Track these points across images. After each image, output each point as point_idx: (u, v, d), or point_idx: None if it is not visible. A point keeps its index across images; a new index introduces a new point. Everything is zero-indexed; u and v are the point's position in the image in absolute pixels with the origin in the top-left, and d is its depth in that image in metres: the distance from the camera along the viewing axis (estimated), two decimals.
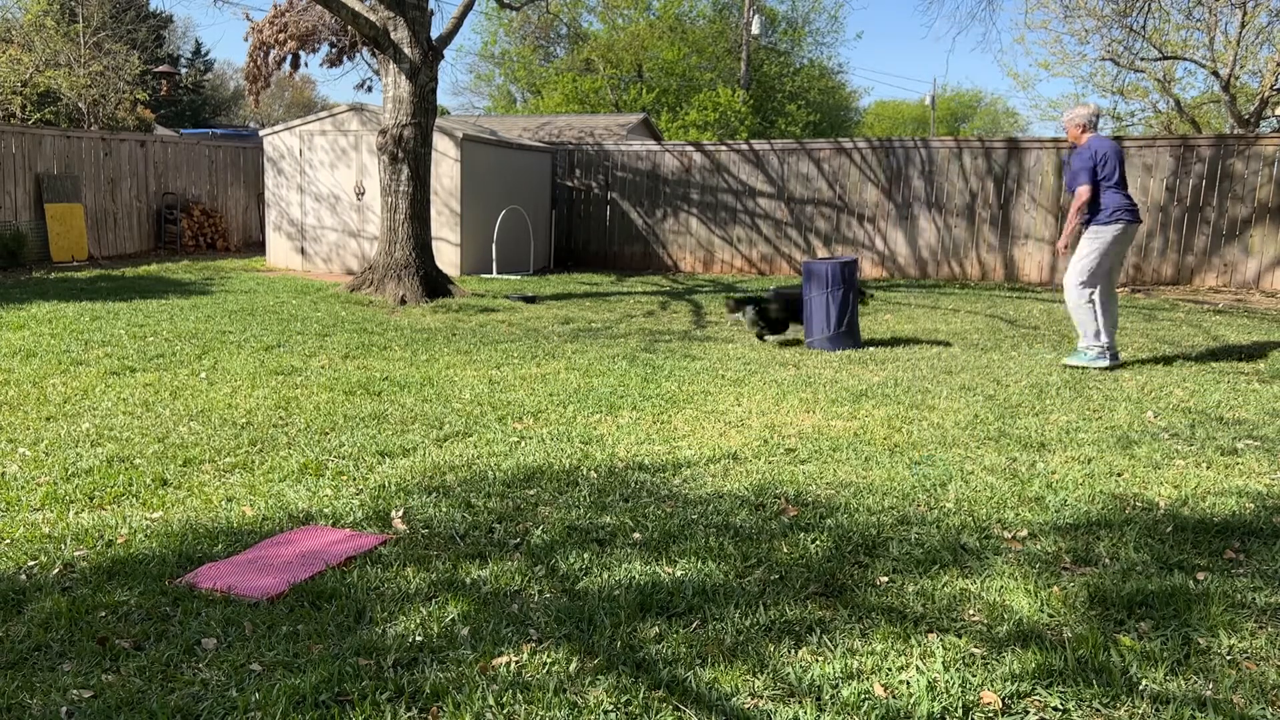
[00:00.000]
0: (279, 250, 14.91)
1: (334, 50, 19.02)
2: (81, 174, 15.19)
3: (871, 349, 8.06)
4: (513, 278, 13.95)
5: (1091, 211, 7.05)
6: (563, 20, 31.99)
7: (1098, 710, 2.53)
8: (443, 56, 11.45)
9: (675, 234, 15.89)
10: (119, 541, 3.57)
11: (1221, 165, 13.13)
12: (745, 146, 15.58)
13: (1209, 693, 2.60)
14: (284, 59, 18.52)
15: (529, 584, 3.25)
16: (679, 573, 3.33)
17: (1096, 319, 7.09)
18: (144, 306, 9.66)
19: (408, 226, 11.09)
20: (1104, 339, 7.14)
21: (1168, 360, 7.54)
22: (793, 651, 2.81)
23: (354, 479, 4.38)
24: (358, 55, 19.20)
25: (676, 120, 29.81)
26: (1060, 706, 2.54)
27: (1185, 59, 19.54)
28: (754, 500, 4.09)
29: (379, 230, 11.89)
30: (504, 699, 2.54)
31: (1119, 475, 4.52)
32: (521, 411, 5.68)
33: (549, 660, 2.73)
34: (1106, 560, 3.49)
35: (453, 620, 2.97)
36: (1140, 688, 2.62)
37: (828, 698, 2.56)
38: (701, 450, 4.89)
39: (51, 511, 3.88)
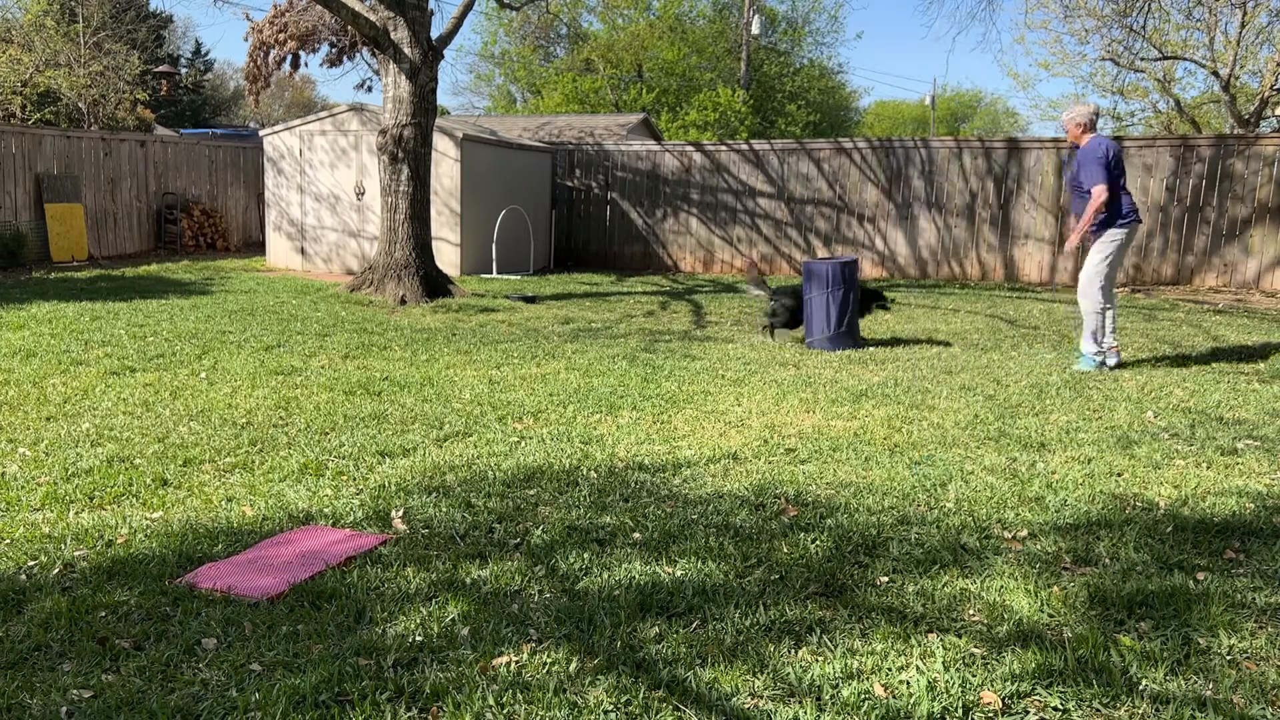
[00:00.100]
0: (279, 250, 14.91)
1: (334, 50, 19.02)
2: (81, 174, 15.19)
3: (871, 349, 8.06)
4: (513, 278, 13.95)
5: (1106, 213, 6.97)
6: (563, 20, 32.00)
7: (1098, 710, 2.53)
8: (443, 56, 11.45)
9: (675, 234, 15.89)
10: (119, 541, 3.57)
11: (1221, 165, 13.13)
12: (745, 146, 15.58)
13: (1209, 693, 2.60)
14: (284, 59, 18.52)
15: (529, 584, 3.25)
16: (679, 573, 3.33)
17: (1106, 324, 7.10)
18: (144, 306, 9.66)
19: (408, 226, 11.09)
20: (1109, 341, 7.16)
21: (1168, 360, 7.55)
22: (793, 651, 2.81)
23: (354, 479, 4.38)
24: (358, 55, 19.20)
25: (676, 120, 29.81)
26: (1060, 706, 2.54)
27: (1185, 59, 19.55)
28: (754, 500, 4.09)
29: (379, 230, 11.89)
30: (504, 699, 2.54)
31: (1119, 475, 4.52)
32: (521, 411, 5.68)
33: (549, 660, 2.73)
34: (1106, 560, 3.49)
35: (453, 620, 2.97)
36: (1140, 688, 2.62)
37: (828, 698, 2.56)
38: (701, 450, 4.89)
39: (51, 511, 3.88)
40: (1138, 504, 4.10)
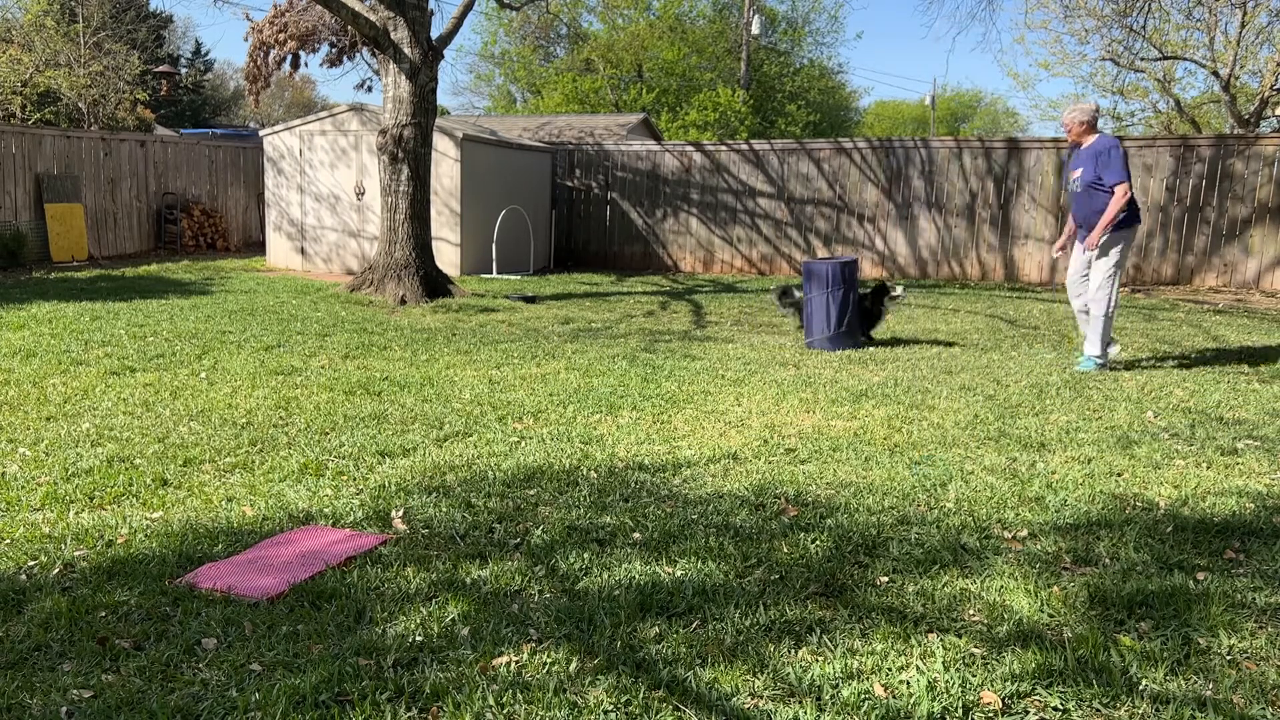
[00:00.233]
0: (279, 250, 14.91)
1: (334, 50, 19.02)
2: (81, 174, 15.19)
3: (871, 349, 8.06)
4: (513, 278, 13.95)
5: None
6: (563, 20, 32.00)
7: (1098, 710, 2.53)
8: (443, 56, 11.45)
9: (675, 234, 15.89)
10: (119, 541, 3.57)
11: (1221, 165, 13.13)
12: (745, 146, 15.58)
13: (1209, 693, 2.60)
14: (284, 59, 18.52)
15: (529, 584, 3.25)
16: (679, 573, 3.33)
17: (1111, 327, 7.11)
18: (144, 306, 9.66)
19: (408, 226, 11.09)
20: (1109, 344, 7.17)
21: (1168, 360, 7.55)
22: (793, 651, 2.81)
23: (354, 479, 4.38)
24: (358, 55, 19.20)
25: (676, 120, 29.81)
26: (1060, 706, 2.54)
27: (1185, 59, 19.55)
28: (754, 500, 4.09)
29: (379, 230, 11.89)
30: (504, 699, 2.54)
31: (1119, 475, 4.52)
32: (521, 411, 5.68)
33: (549, 660, 2.73)
34: (1106, 560, 3.49)
35: (453, 620, 2.97)
36: (1140, 688, 2.62)
37: (828, 698, 2.56)
38: (701, 450, 4.89)
39: (51, 511, 3.88)
40: (1138, 504, 4.10)
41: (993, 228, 14.30)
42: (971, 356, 7.71)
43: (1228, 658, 2.80)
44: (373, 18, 10.78)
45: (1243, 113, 18.99)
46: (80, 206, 15.05)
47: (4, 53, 18.95)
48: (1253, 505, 4.07)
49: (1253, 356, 7.71)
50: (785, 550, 3.53)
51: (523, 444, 4.96)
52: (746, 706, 2.53)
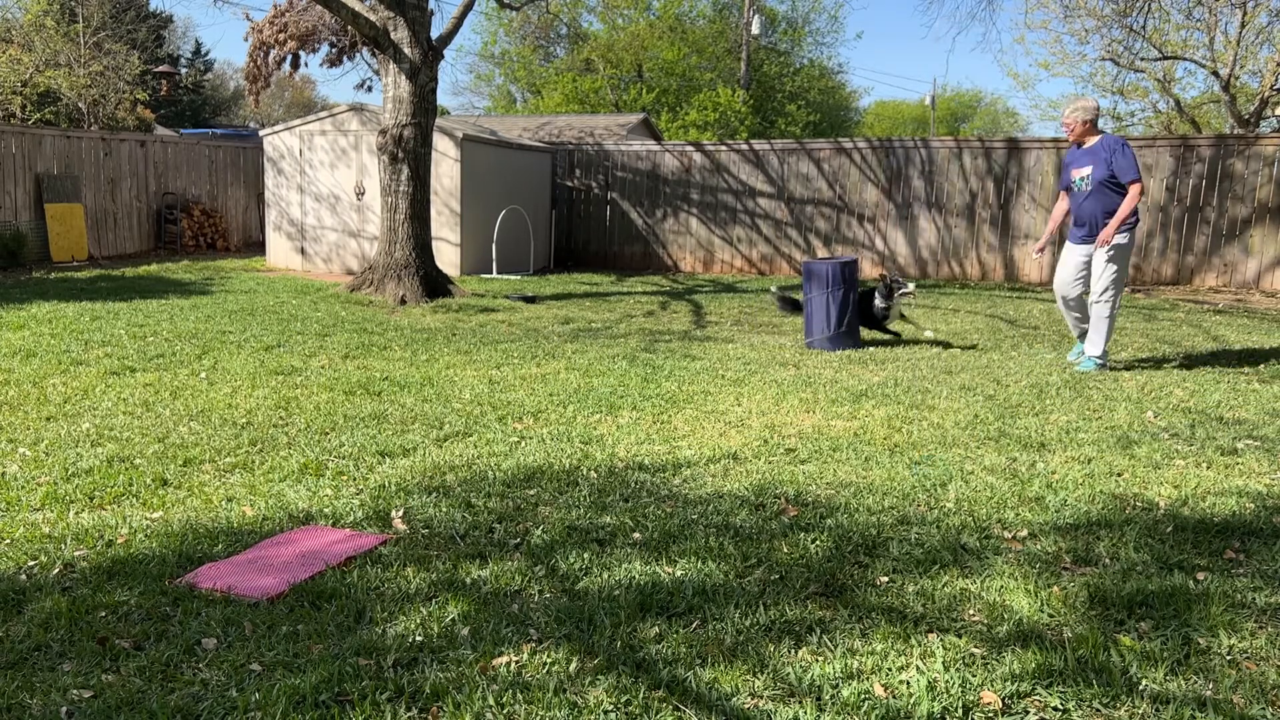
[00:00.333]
0: (279, 250, 14.91)
1: (334, 50, 19.02)
2: (81, 174, 15.19)
3: (871, 349, 8.06)
4: (513, 278, 13.95)
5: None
6: (563, 20, 32.00)
7: (1098, 710, 2.53)
8: (443, 56, 11.45)
9: (675, 234, 15.89)
10: (119, 541, 3.57)
11: (1221, 165, 13.13)
12: (745, 146, 15.58)
13: (1209, 693, 2.60)
14: (284, 59, 18.52)
15: (529, 584, 3.25)
16: (679, 573, 3.33)
17: (1115, 327, 7.12)
18: (144, 306, 9.66)
19: (408, 226, 11.09)
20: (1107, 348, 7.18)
21: (1168, 360, 7.55)
22: (793, 651, 2.81)
23: (354, 479, 4.38)
24: (358, 55, 19.20)
25: (676, 120, 29.81)
26: (1060, 706, 2.54)
27: (1185, 59, 19.55)
28: (754, 500, 4.09)
29: (379, 230, 11.89)
30: (504, 699, 2.54)
31: (1119, 475, 4.52)
32: (521, 411, 5.68)
33: (549, 660, 2.73)
34: (1106, 560, 3.49)
35: (453, 620, 2.97)
36: (1140, 688, 2.62)
37: (828, 698, 2.56)
38: (701, 450, 4.89)
39: (51, 511, 3.88)
40: (1138, 504, 4.10)
41: (993, 228, 14.30)
42: (971, 356, 7.71)
43: (1228, 658, 2.80)
44: (373, 18, 10.78)
45: (1243, 113, 18.99)
46: (80, 206, 15.05)
47: (4, 53, 18.95)
48: (1253, 505, 4.07)
49: (1253, 356, 7.71)
50: (785, 550, 3.53)
51: (523, 444, 4.96)
52: (746, 706, 2.53)
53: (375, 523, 3.82)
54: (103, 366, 6.68)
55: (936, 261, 14.63)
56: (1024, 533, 3.76)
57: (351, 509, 3.94)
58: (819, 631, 2.92)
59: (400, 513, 3.91)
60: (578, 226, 16.50)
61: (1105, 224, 6.87)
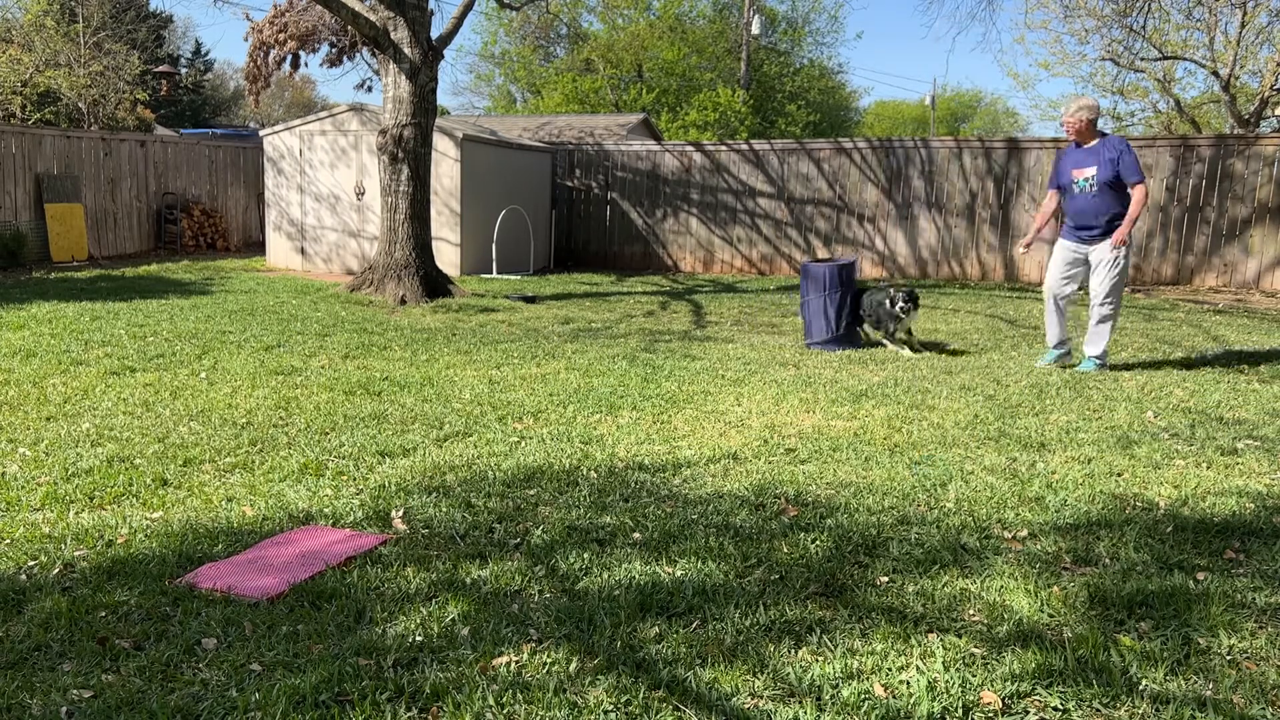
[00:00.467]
0: (279, 250, 14.91)
1: (334, 50, 19.02)
2: (81, 174, 15.19)
3: (872, 349, 8.06)
4: (513, 278, 13.95)
5: (1121, 218, 6.86)
6: (563, 20, 31.99)
7: (1098, 710, 2.53)
8: (443, 56, 11.45)
9: (675, 234, 15.89)
10: (119, 541, 3.57)
11: (1221, 165, 13.13)
12: (745, 146, 15.58)
13: (1209, 693, 2.60)
14: (284, 59, 18.52)
15: (529, 584, 3.25)
16: (679, 573, 3.33)
17: (1114, 328, 7.12)
18: (144, 306, 9.66)
19: (408, 226, 11.09)
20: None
21: (1168, 360, 7.54)
22: (793, 651, 2.81)
23: (354, 479, 4.38)
24: (358, 55, 19.20)
25: (676, 120, 29.81)
26: (1060, 706, 2.54)
27: (1185, 59, 19.55)
28: (754, 500, 4.09)
29: (379, 230, 11.89)
30: (504, 699, 2.54)
31: (1119, 475, 4.52)
32: (521, 411, 5.68)
33: (549, 660, 2.73)
34: (1106, 560, 3.49)
35: (453, 620, 2.97)
36: (1140, 688, 2.62)
37: (828, 698, 2.56)
38: (701, 450, 4.89)
39: (51, 511, 3.88)
40: (1138, 504, 4.10)
41: (993, 228, 14.30)
42: (971, 356, 7.71)
43: (1228, 658, 2.80)
44: (373, 18, 10.78)
45: (1243, 113, 18.99)
46: (80, 206, 15.05)
47: (4, 53, 18.95)
48: (1253, 505, 4.07)
49: (1253, 356, 7.71)
50: (785, 550, 3.53)
51: (523, 444, 4.96)
52: (746, 706, 2.53)
53: (375, 523, 3.82)
54: (103, 366, 6.68)
55: (936, 261, 14.63)
56: (1024, 533, 3.76)
57: (351, 509, 3.94)
58: (819, 631, 2.92)
59: (400, 513, 3.91)
60: (578, 226, 16.50)
61: (1108, 225, 6.85)
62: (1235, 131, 18.15)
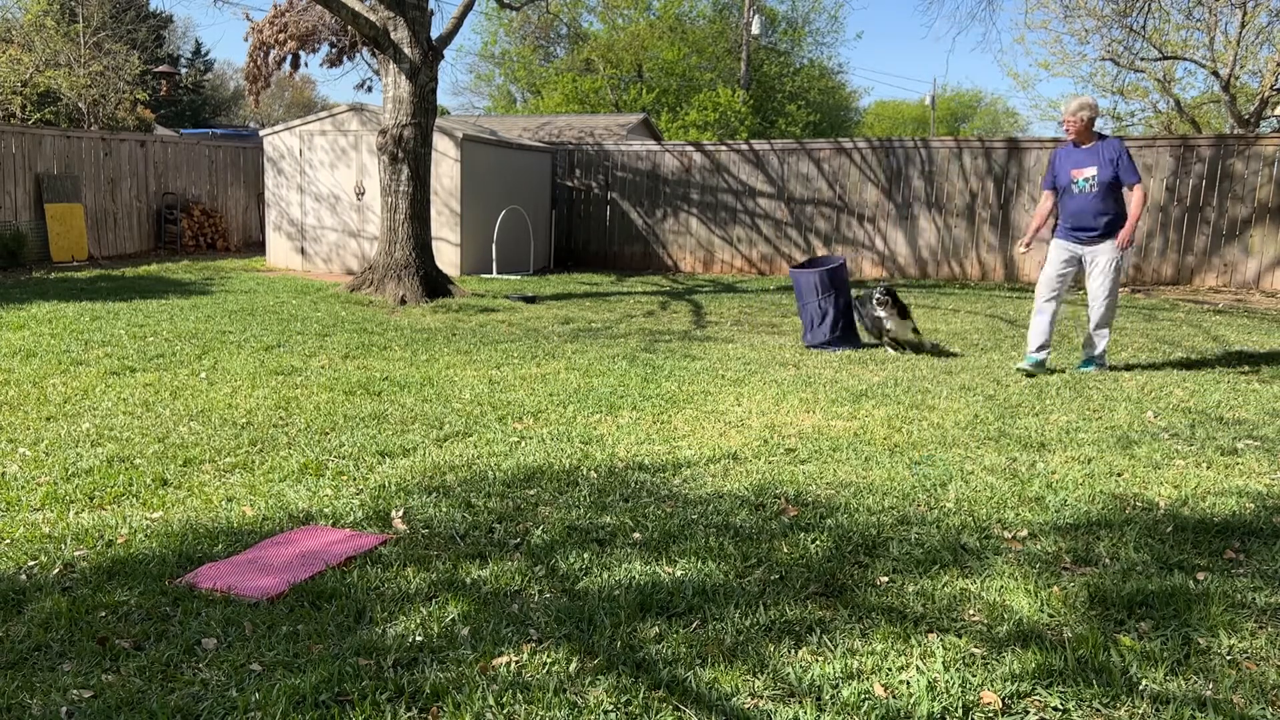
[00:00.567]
0: (279, 250, 14.91)
1: (334, 50, 19.02)
2: (81, 174, 15.19)
3: (871, 349, 8.06)
4: (513, 278, 13.95)
5: (1119, 218, 6.86)
6: (563, 20, 31.99)
7: (1098, 710, 2.53)
8: (443, 56, 11.45)
9: (675, 234, 15.89)
10: (119, 541, 3.57)
11: (1221, 165, 13.13)
12: (745, 146, 15.58)
13: (1209, 693, 2.60)
14: (284, 59, 18.52)
15: (529, 584, 3.25)
16: (679, 573, 3.33)
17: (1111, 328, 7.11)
18: (144, 306, 9.66)
19: (408, 226, 11.09)
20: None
21: (1168, 360, 7.54)
22: (793, 651, 2.81)
23: (354, 479, 4.38)
24: (358, 55, 19.20)
25: (676, 120, 29.81)
26: (1060, 706, 2.54)
27: (1185, 59, 19.55)
28: (754, 500, 4.09)
29: (379, 230, 11.89)
30: (504, 699, 2.54)
31: (1119, 475, 4.52)
32: (521, 411, 5.68)
33: (549, 660, 2.73)
34: (1106, 560, 3.49)
35: (453, 620, 2.97)
36: (1140, 688, 2.62)
37: (828, 698, 2.56)
38: (701, 450, 4.89)
39: (51, 511, 3.88)
40: (1138, 504, 4.10)
41: (993, 228, 14.29)
42: (972, 356, 7.71)
43: (1228, 658, 2.80)
44: (373, 18, 10.78)
45: (1243, 113, 18.99)
46: (80, 206, 15.05)
47: (4, 53, 18.95)
48: (1253, 505, 4.07)
49: (1253, 356, 7.71)
50: (785, 550, 3.53)
51: (523, 444, 4.96)
52: (746, 706, 2.53)
53: (375, 523, 3.82)
54: (103, 366, 6.68)
55: (936, 261, 14.63)
56: (1024, 533, 3.76)
57: (351, 509, 3.94)
58: (819, 631, 2.92)
59: (400, 513, 3.91)
60: (578, 226, 16.50)
61: (1106, 226, 6.83)
62: (1235, 131, 18.15)
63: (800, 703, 2.54)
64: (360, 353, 7.52)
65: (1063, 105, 7.10)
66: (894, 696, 2.58)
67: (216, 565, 3.38)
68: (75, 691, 2.56)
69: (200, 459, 4.62)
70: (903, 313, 7.89)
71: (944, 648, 2.82)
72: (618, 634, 2.88)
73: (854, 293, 8.45)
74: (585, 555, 3.46)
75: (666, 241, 15.94)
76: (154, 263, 14.79)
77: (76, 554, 3.45)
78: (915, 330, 8.02)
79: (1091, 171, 6.81)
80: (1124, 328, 9.17)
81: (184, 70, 40.67)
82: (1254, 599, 3.16)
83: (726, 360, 7.44)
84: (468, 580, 3.26)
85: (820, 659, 2.76)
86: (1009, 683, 2.64)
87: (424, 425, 5.30)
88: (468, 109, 38.48)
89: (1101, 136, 6.98)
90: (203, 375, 6.54)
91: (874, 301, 7.85)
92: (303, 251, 14.76)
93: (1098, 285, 6.94)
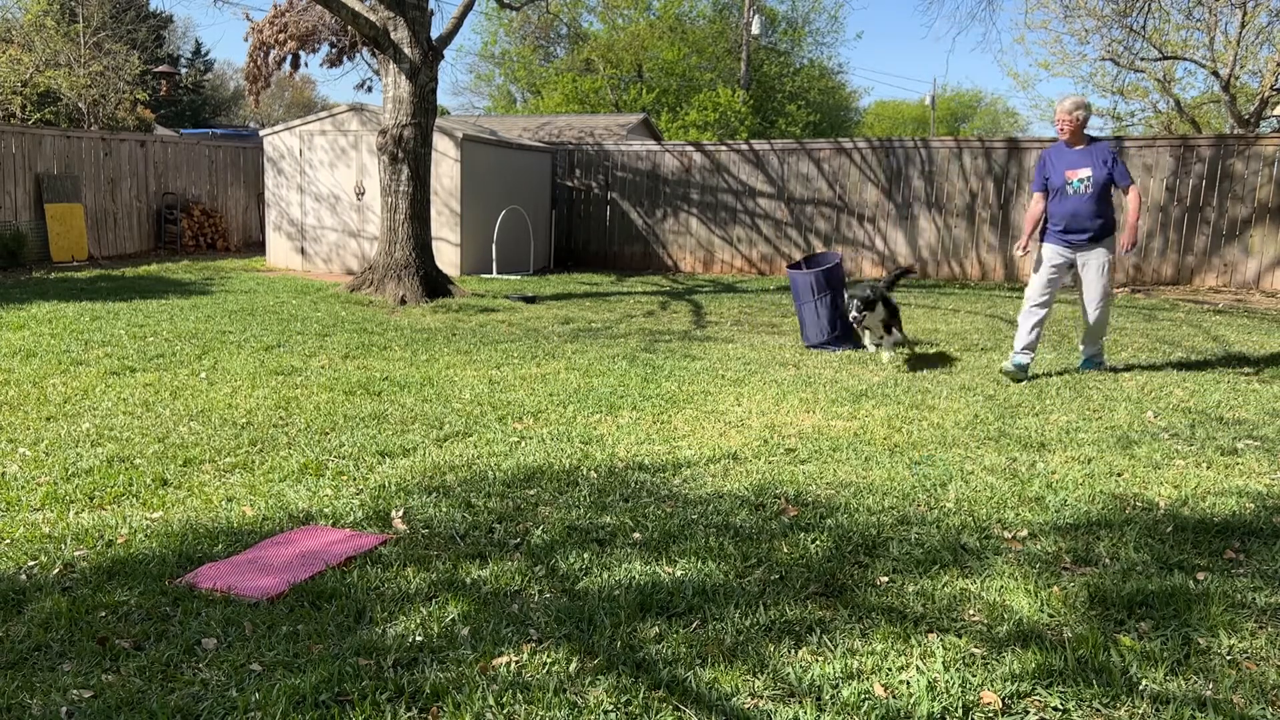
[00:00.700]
0: (279, 250, 14.91)
1: (334, 50, 19.02)
2: (81, 174, 15.19)
3: (872, 349, 8.05)
4: (513, 278, 13.95)
5: (1111, 221, 6.82)
6: (563, 20, 31.99)
7: (1098, 710, 2.53)
8: (443, 56, 11.45)
9: (675, 234, 15.89)
10: (119, 541, 3.57)
11: (1221, 165, 13.13)
12: (745, 146, 15.58)
13: (1209, 693, 2.60)
14: (284, 59, 18.52)
15: (529, 584, 3.25)
16: (679, 573, 3.33)
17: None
18: (144, 306, 9.66)
19: (408, 226, 11.09)
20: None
21: (1168, 360, 7.54)
22: (793, 651, 2.81)
23: (354, 479, 4.38)
24: (358, 55, 19.20)
25: (676, 120, 29.81)
26: (1060, 706, 2.54)
27: (1185, 59, 19.54)
28: (754, 500, 4.09)
29: (379, 230, 11.89)
30: (504, 699, 2.54)
31: (1119, 475, 4.52)
32: (521, 411, 5.68)
33: (549, 660, 2.73)
34: (1106, 560, 3.49)
35: (453, 620, 2.97)
36: (1140, 688, 2.62)
37: (828, 698, 2.56)
38: (701, 450, 4.89)
39: (51, 511, 3.88)
40: (1138, 504, 4.10)
41: (993, 228, 14.29)
42: (972, 356, 7.71)
43: (1228, 658, 2.80)
44: (373, 18, 10.78)
45: (1243, 113, 18.99)
46: (80, 206, 15.05)
47: (4, 53, 18.95)
48: (1253, 505, 4.07)
49: (1253, 357, 7.71)
50: (785, 550, 3.53)
51: (523, 444, 4.96)
52: (746, 706, 2.53)
53: (375, 523, 3.82)
54: (103, 366, 6.68)
55: (936, 261, 14.62)
56: (1024, 533, 3.76)
57: (351, 509, 3.94)
58: (819, 631, 2.92)
59: (400, 513, 3.91)
60: (578, 226, 16.50)
61: (1100, 229, 6.76)
62: (1235, 131, 18.15)
63: (800, 703, 2.54)
64: (360, 353, 7.52)
65: (1056, 104, 7.01)
66: (894, 696, 2.58)
67: (216, 565, 3.38)
68: (75, 691, 2.56)
69: (200, 459, 4.62)
70: (892, 314, 7.68)
71: (944, 648, 2.82)
72: (618, 634, 2.88)
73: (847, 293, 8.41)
74: (585, 555, 3.46)
75: (666, 241, 15.94)
76: (154, 263, 14.79)
77: (76, 554, 3.45)
78: (891, 332, 7.65)
79: (1086, 173, 6.71)
80: (1124, 328, 9.17)
81: (184, 70, 40.67)
82: (1254, 599, 3.16)
83: (726, 360, 7.44)
84: (468, 580, 3.26)
85: (820, 659, 2.76)
86: (1009, 683, 2.64)
87: (424, 425, 5.30)
88: (468, 109, 38.50)
89: (1092, 139, 6.93)
90: (203, 375, 6.54)
91: (852, 315, 7.45)
92: (303, 251, 14.76)
93: (1092, 291, 6.86)
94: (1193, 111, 21.27)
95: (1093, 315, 6.93)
